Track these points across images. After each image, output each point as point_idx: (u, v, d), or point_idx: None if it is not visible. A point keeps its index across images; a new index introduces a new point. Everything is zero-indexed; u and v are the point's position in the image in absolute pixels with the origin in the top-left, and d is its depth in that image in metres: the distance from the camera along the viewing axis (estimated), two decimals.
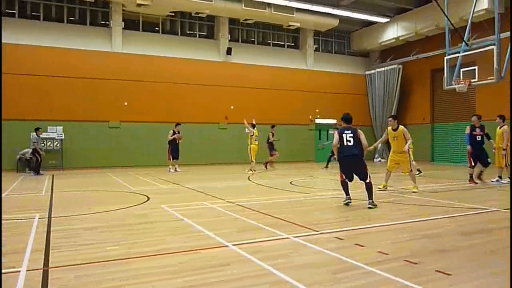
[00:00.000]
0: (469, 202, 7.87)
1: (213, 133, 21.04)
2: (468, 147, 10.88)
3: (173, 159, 16.43)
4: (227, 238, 4.90)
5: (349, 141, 7.63)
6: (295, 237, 4.98)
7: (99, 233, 5.32)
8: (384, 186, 9.92)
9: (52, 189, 10.47)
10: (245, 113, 21.31)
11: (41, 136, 15.68)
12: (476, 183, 10.73)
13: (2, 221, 5.70)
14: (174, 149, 16.40)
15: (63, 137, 17.62)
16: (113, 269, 3.79)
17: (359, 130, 7.81)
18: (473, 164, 10.93)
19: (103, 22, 19.95)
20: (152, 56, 19.90)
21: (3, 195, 9.12)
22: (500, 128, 11.17)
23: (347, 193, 7.67)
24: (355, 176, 7.73)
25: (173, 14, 20.57)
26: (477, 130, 10.93)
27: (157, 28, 20.90)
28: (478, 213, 6.73)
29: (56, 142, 17.65)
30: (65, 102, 18.05)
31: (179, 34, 21.36)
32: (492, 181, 11.11)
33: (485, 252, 4.33)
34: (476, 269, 3.74)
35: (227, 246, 4.59)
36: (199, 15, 20.32)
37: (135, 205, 7.61)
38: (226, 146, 21.02)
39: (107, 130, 18.99)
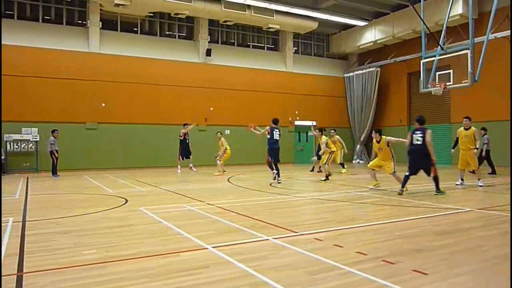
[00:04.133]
0: (444, 202, 8.04)
1: (192, 135, 20.86)
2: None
3: (185, 158, 16.61)
4: (206, 240, 4.88)
5: (418, 140, 8.88)
6: (274, 238, 4.99)
7: (75, 237, 5.21)
8: (375, 185, 10.36)
9: (26, 192, 10.22)
10: (224, 115, 21.37)
11: (57, 138, 15.70)
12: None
13: None
14: (184, 149, 16.64)
15: (38, 139, 17.20)
16: (90, 274, 3.71)
17: (428, 130, 8.89)
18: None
19: (80, 22, 19.60)
20: (131, 57, 19.66)
21: None
22: (466, 129, 11.15)
23: (403, 185, 9.09)
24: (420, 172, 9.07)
25: (152, 14, 20.38)
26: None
27: (135, 29, 20.67)
28: (453, 213, 6.88)
29: (31, 144, 17.23)
30: (40, 103, 17.64)
31: (158, 35, 21.17)
32: (457, 184, 11.12)
33: (460, 251, 4.43)
34: (451, 268, 3.82)
35: (206, 248, 4.56)
36: (179, 16, 20.19)
37: (113, 208, 7.49)
38: (206, 148, 20.91)
39: (84, 132, 18.65)
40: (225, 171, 15.93)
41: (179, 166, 16.72)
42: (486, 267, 3.88)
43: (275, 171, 12.25)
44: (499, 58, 17.56)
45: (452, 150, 11.94)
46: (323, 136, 14.07)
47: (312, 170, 16.98)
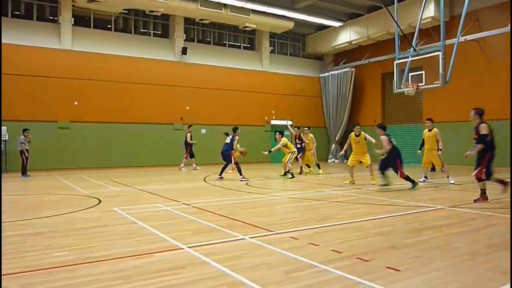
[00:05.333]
0: (416, 200, 8.23)
1: (168, 134, 20.71)
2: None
3: (192, 157, 17.68)
4: (182, 240, 4.83)
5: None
6: (250, 237, 4.99)
7: (46, 239, 5.07)
8: (350, 181, 11.23)
9: None
10: (200, 114, 21.25)
11: (27, 138, 15.28)
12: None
13: None
14: (190, 149, 17.68)
15: (7, 138, 16.62)
16: (61, 276, 3.62)
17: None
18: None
19: (51, 18, 19.09)
20: (104, 54, 19.30)
21: None
22: (429, 130, 11.76)
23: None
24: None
25: (126, 11, 20.07)
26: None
27: (109, 26, 20.29)
28: (425, 211, 7.04)
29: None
30: (10, 101, 17.05)
31: (133, 32, 20.85)
32: (420, 181, 11.49)
33: (432, 248, 4.53)
34: (423, 264, 3.91)
35: (182, 248, 4.52)
36: (154, 13, 19.93)
37: (86, 209, 7.34)
38: (182, 147, 20.75)
39: (56, 131, 18.20)
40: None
41: (182, 164, 17.60)
42: (456, 262, 3.98)
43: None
44: (469, 61, 18.09)
45: (419, 151, 12.30)
46: (283, 138, 14.06)
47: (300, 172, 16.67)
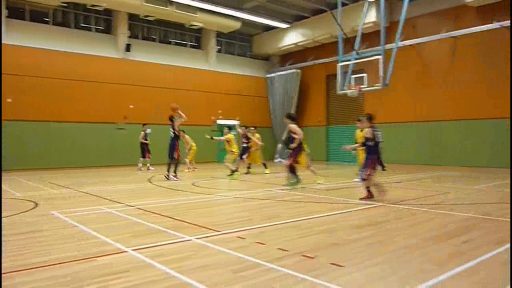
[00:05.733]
0: (357, 198, 8.53)
1: (110, 134, 19.99)
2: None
3: (147, 158, 17.32)
4: (126, 243, 4.69)
5: None
6: (197, 238, 4.94)
7: None
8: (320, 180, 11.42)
9: None
10: (145, 113, 20.70)
11: None
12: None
13: None
14: (147, 148, 17.37)
15: None
16: None
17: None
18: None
19: None
20: (41, 49, 18.23)
21: None
22: (361, 130, 12.24)
23: None
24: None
25: (65, 4, 19.08)
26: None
27: (47, 19, 19.23)
28: (366, 208, 7.33)
29: None
30: None
31: (73, 26, 19.90)
32: (354, 180, 11.83)
33: (373, 243, 4.73)
34: (365, 259, 4.06)
35: (126, 251, 4.38)
36: (95, 7, 19.12)
37: (20, 213, 6.90)
38: (125, 147, 20.13)
39: None
40: (196, 168, 16.77)
41: (140, 164, 17.42)
42: (396, 256, 4.18)
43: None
44: (407, 65, 19.06)
45: (353, 151, 12.71)
46: (230, 134, 14.45)
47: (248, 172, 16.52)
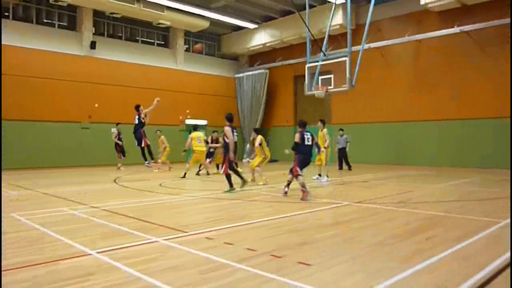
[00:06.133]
0: (324, 197, 8.67)
1: (74, 133, 19.41)
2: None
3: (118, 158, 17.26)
4: (90, 245, 4.56)
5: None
6: (164, 239, 4.87)
7: None
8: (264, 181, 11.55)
9: None
10: (110, 112, 20.22)
11: None
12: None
13: None
14: (122, 148, 17.28)
15: None
16: None
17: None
18: None
19: None
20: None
21: None
22: (321, 131, 12.83)
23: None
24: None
25: None
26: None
27: (6, 14, 18.46)
28: (333, 207, 7.44)
29: None
30: None
31: (35, 22, 19.19)
32: (313, 179, 12.38)
33: (340, 242, 4.81)
34: (333, 258, 4.12)
35: (90, 254, 4.26)
36: (59, 3, 18.48)
37: None
38: (90, 147, 19.62)
39: None
40: (171, 167, 16.77)
41: (120, 164, 17.29)
42: (362, 253, 4.26)
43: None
44: (372, 67, 19.49)
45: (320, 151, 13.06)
46: (197, 132, 14.52)
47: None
